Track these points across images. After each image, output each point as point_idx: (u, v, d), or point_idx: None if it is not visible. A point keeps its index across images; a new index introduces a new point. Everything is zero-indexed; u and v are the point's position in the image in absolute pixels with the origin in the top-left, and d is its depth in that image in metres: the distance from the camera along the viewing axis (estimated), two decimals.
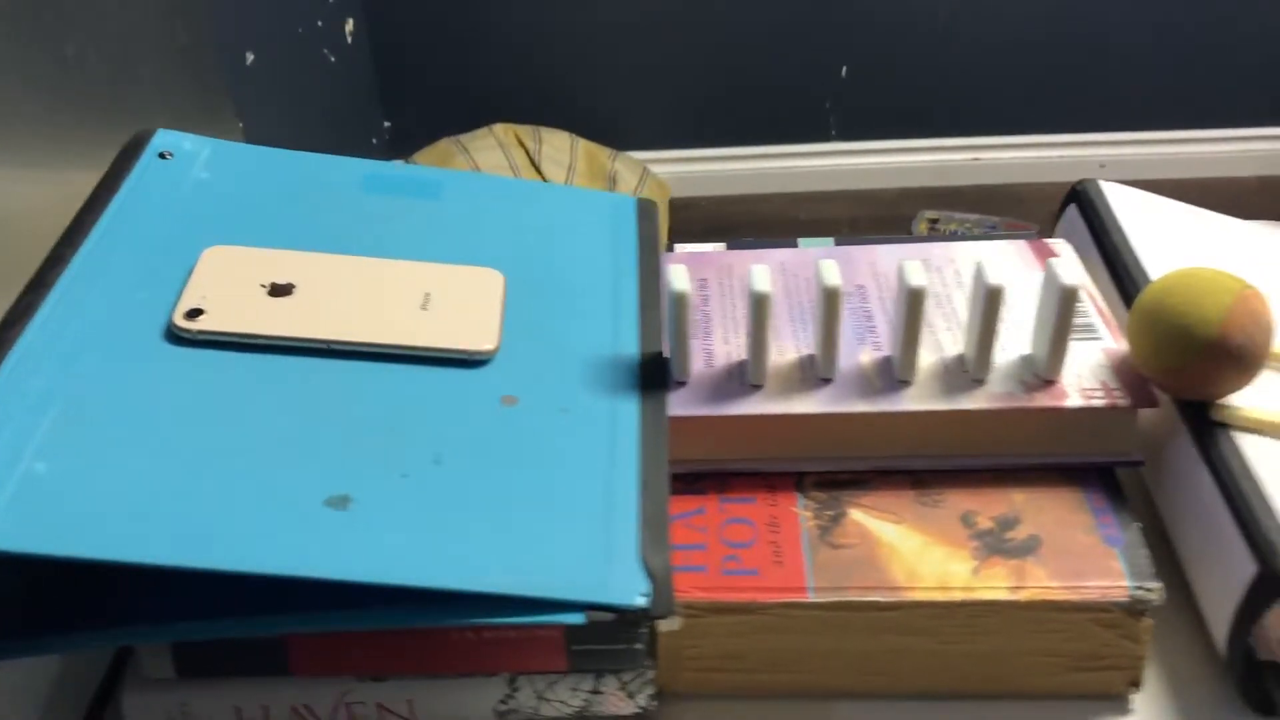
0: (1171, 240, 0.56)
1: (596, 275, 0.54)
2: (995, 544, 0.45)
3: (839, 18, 1.92)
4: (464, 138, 1.80)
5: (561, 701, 0.44)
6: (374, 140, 1.98)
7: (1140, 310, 0.46)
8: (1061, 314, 0.45)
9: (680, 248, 0.61)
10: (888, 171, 2.05)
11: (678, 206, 2.02)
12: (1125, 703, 0.45)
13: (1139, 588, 0.43)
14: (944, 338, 0.50)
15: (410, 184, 0.57)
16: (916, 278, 0.45)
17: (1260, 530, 0.42)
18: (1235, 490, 0.43)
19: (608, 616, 0.40)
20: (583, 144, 1.83)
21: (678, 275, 0.46)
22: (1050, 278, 0.46)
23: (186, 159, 0.55)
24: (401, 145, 2.03)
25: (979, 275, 0.46)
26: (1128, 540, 0.45)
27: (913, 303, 0.45)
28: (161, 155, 0.55)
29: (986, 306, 0.46)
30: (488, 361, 0.48)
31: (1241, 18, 1.92)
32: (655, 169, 2.02)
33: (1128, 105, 2.00)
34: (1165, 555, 0.49)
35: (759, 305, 0.46)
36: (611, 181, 1.81)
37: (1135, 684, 0.45)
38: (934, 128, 2.03)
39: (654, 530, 0.42)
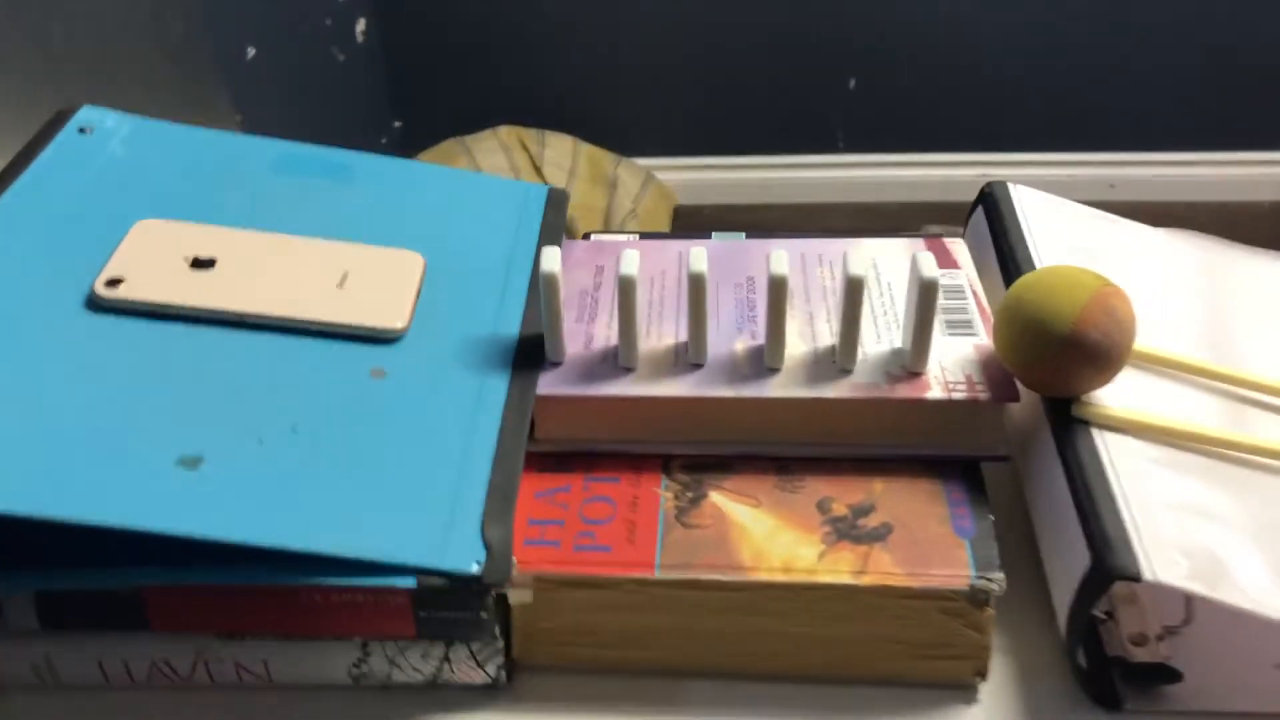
0: (1071, 243, 0.56)
1: (492, 258, 0.55)
2: (846, 530, 0.45)
3: (848, 30, 1.92)
4: (468, 139, 1.82)
5: (414, 668, 0.45)
6: (383, 139, 2.00)
7: (1002, 306, 0.47)
8: (922, 307, 0.46)
9: (596, 237, 0.62)
10: (894, 185, 2.05)
11: (683, 214, 2.03)
12: (972, 692, 0.45)
13: (981, 577, 0.43)
14: (822, 329, 0.51)
15: (320, 165, 0.58)
16: (779, 267, 0.46)
17: (1099, 524, 0.42)
18: (1081, 484, 0.44)
19: (440, 582, 0.41)
20: (586, 148, 1.85)
21: (548, 258, 0.47)
22: (913, 271, 0.46)
23: (106, 134, 0.57)
24: (411, 144, 2.05)
25: (843, 266, 0.46)
26: (979, 532, 0.45)
27: (775, 291, 0.46)
28: (81, 130, 0.57)
29: (848, 297, 0.46)
30: (398, 339, 0.49)
31: (1258, 39, 1.90)
32: (662, 176, 2.03)
33: (1139, 126, 1.99)
34: (1032, 550, 0.49)
35: (625, 289, 0.46)
36: (613, 186, 1.82)
37: (981, 674, 0.45)
38: (942, 143, 2.03)
39: (499, 502, 0.43)
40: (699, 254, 0.47)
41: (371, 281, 0.51)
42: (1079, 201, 0.62)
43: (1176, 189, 2.03)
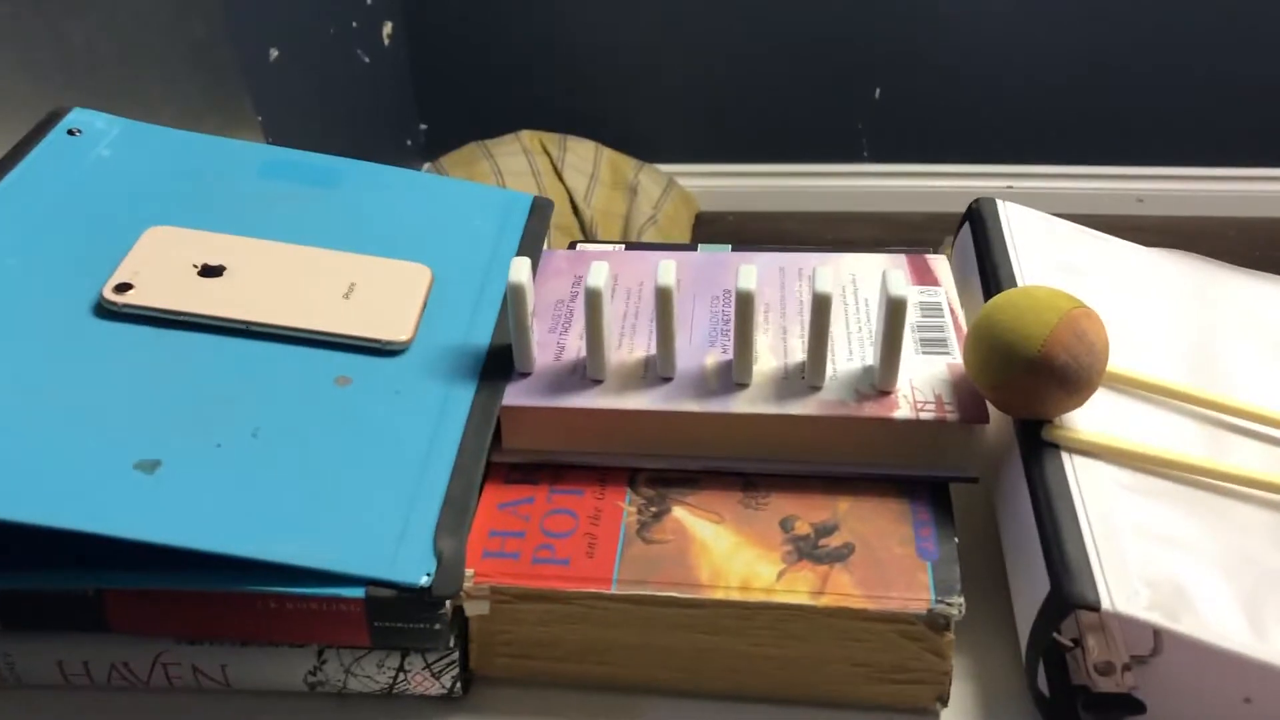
0: (1058, 261, 0.56)
1: (470, 266, 0.55)
2: (807, 549, 0.45)
3: (875, 40, 1.91)
4: (490, 142, 1.82)
5: (368, 677, 0.45)
6: (409, 142, 2.01)
7: (973, 326, 0.46)
8: (891, 324, 0.45)
9: (582, 246, 0.62)
10: (918, 195, 2.03)
11: (704, 221, 2.02)
12: (934, 718, 0.45)
13: (940, 601, 0.43)
14: (795, 344, 0.50)
15: (306, 171, 0.58)
16: (746, 282, 0.46)
17: (1060, 550, 0.42)
18: (1046, 509, 0.43)
19: (389, 593, 0.41)
20: (607, 154, 1.85)
21: (517, 268, 0.47)
22: (882, 289, 0.46)
23: (95, 136, 0.58)
24: (437, 148, 2.06)
25: (812, 282, 0.46)
26: (941, 555, 0.44)
27: (743, 307, 0.46)
28: (70, 132, 0.57)
29: (815, 314, 0.46)
30: (402, 351, 0.49)
31: None
32: (685, 182, 2.03)
33: (1168, 140, 1.96)
34: (1001, 574, 0.49)
35: (591, 301, 0.46)
36: (633, 192, 1.82)
37: (943, 699, 0.44)
38: (968, 154, 2.01)
39: (454, 514, 0.43)
40: (667, 267, 0.46)
41: (378, 293, 0.51)
42: (1106, 216, 0.61)
43: (1205, 204, 2.00)
